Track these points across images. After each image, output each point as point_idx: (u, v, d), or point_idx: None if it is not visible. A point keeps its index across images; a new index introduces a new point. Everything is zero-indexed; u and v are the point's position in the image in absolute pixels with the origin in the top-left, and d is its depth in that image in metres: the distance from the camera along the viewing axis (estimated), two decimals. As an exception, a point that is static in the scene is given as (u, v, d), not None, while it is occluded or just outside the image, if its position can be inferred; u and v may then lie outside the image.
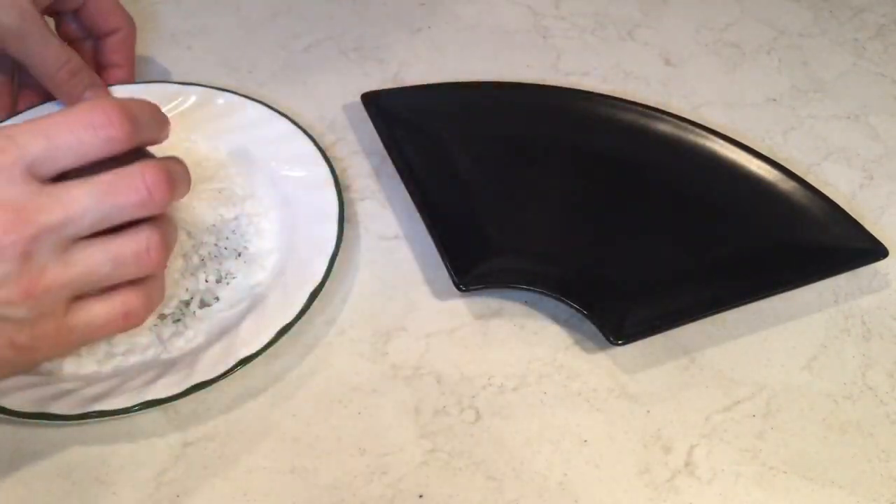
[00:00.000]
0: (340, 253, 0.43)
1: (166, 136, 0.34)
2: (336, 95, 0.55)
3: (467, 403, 0.40)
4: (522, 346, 0.42)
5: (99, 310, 0.32)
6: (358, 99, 0.52)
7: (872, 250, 0.45)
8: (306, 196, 0.46)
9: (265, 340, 0.39)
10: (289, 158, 0.48)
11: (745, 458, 0.38)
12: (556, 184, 0.50)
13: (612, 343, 0.40)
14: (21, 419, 0.36)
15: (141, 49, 0.58)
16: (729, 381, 0.41)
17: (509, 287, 0.43)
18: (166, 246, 0.32)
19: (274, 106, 0.50)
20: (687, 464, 0.38)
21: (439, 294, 0.44)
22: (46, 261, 0.29)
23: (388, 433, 0.38)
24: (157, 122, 0.33)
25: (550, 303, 0.44)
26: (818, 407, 0.41)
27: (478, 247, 0.45)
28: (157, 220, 0.32)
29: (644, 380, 0.41)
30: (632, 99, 0.54)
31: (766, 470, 0.38)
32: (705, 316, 0.43)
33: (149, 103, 0.33)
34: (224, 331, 0.40)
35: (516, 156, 0.51)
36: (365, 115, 0.51)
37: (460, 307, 0.44)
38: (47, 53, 0.43)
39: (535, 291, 0.43)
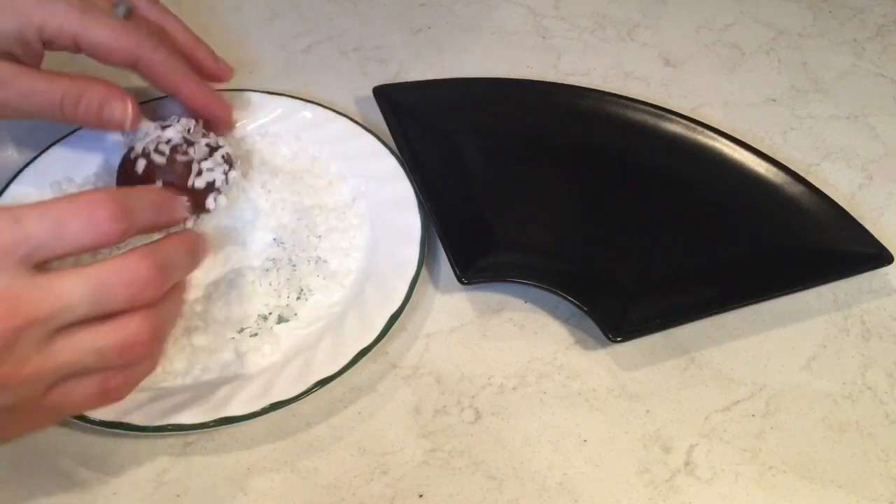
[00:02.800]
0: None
1: (175, 220, 0.34)
2: (336, 95, 0.55)
3: (467, 403, 0.40)
4: (522, 345, 0.42)
5: (78, 390, 0.31)
6: (358, 98, 0.52)
7: (877, 255, 0.45)
8: (388, 214, 0.45)
9: (343, 363, 0.38)
10: (373, 175, 0.47)
11: (744, 458, 0.38)
12: (560, 180, 0.50)
13: (610, 340, 0.40)
14: (98, 427, 0.35)
15: (141, 49, 0.58)
16: (728, 380, 0.42)
17: (510, 281, 0.43)
18: (156, 338, 0.31)
19: (358, 120, 0.50)
20: (686, 463, 0.38)
21: (439, 294, 0.44)
22: (29, 351, 0.28)
23: (388, 433, 0.38)
24: (156, 207, 0.32)
25: (551, 302, 0.44)
26: (818, 407, 0.41)
27: (481, 241, 0.45)
28: (151, 309, 0.31)
29: (644, 379, 0.41)
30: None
31: (766, 470, 0.38)
32: (705, 316, 0.43)
33: (152, 190, 0.33)
34: (301, 349, 0.40)
35: (522, 152, 0.51)
36: (365, 114, 0.51)
37: (460, 307, 0.44)
38: (37, 99, 0.40)
39: (535, 286, 0.43)
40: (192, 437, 0.37)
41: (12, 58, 0.40)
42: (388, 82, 0.53)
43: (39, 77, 0.40)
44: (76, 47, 0.41)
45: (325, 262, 0.43)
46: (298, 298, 0.42)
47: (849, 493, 0.38)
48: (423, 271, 0.43)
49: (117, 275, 0.29)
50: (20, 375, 0.28)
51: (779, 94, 0.59)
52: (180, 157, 0.40)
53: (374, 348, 0.39)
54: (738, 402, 0.41)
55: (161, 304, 0.31)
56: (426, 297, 0.44)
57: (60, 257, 0.29)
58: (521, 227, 0.47)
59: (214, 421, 0.36)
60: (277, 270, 0.42)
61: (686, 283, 0.45)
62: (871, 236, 0.46)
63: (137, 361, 0.32)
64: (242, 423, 0.36)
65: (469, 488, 0.37)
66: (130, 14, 0.44)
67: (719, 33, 0.64)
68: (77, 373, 0.30)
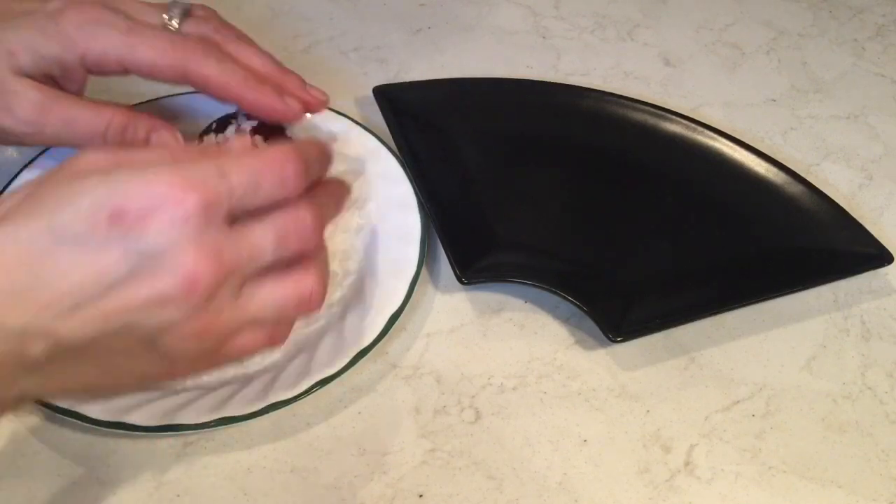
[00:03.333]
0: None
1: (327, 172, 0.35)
2: (336, 95, 0.54)
3: (467, 403, 0.40)
4: (522, 345, 0.42)
5: (251, 337, 0.31)
6: (358, 98, 0.52)
7: (877, 255, 0.45)
8: (388, 214, 0.45)
9: (343, 363, 0.38)
10: (373, 175, 0.47)
11: (744, 458, 0.38)
12: (560, 180, 0.50)
13: (610, 340, 0.40)
14: (98, 427, 0.35)
15: (141, 49, 0.58)
16: (728, 380, 0.42)
17: (510, 281, 0.43)
18: (324, 289, 0.32)
19: (358, 120, 0.50)
20: (686, 463, 0.38)
21: (439, 294, 0.44)
22: (224, 303, 0.29)
23: (388, 433, 0.38)
24: (321, 162, 0.33)
25: (551, 302, 0.44)
26: (818, 407, 0.41)
27: (481, 241, 0.45)
28: (317, 261, 0.32)
29: (644, 379, 0.41)
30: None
31: (766, 469, 0.38)
32: (705, 316, 0.43)
33: (317, 144, 0.33)
34: (301, 349, 0.40)
35: (522, 152, 0.51)
36: (365, 114, 0.51)
37: (460, 307, 0.44)
38: (80, 127, 0.39)
39: (535, 286, 0.43)
40: (192, 437, 0.37)
41: (53, 82, 0.39)
42: (388, 82, 0.53)
43: (83, 105, 0.39)
44: (124, 70, 0.39)
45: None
46: None
47: (849, 493, 0.38)
48: (423, 271, 0.43)
49: (292, 223, 0.30)
50: (215, 326, 0.29)
51: (779, 94, 0.59)
52: None
53: (374, 348, 0.39)
54: (738, 402, 0.41)
55: (321, 254, 0.33)
56: (426, 297, 0.44)
57: (250, 210, 0.29)
58: (521, 226, 0.47)
59: (214, 421, 0.36)
60: None
61: (686, 283, 0.45)
62: (871, 236, 0.46)
63: (308, 314, 0.33)
64: (242, 423, 0.36)
65: (469, 488, 0.37)
66: (188, 15, 0.41)
67: (719, 33, 0.64)
68: (258, 322, 0.31)
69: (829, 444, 0.39)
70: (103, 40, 0.37)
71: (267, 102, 0.40)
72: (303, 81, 0.44)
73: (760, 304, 0.44)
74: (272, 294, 0.30)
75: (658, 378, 0.41)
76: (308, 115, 0.43)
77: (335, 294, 0.42)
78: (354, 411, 0.39)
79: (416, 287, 0.42)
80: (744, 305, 0.44)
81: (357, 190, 0.47)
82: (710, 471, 0.38)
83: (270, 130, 0.43)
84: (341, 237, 0.44)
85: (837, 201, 0.48)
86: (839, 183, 0.52)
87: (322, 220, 0.31)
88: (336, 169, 0.47)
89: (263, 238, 0.29)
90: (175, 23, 0.41)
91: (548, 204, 0.48)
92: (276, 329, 0.32)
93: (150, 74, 0.39)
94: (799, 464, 0.38)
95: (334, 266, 0.43)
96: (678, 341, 0.43)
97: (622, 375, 0.41)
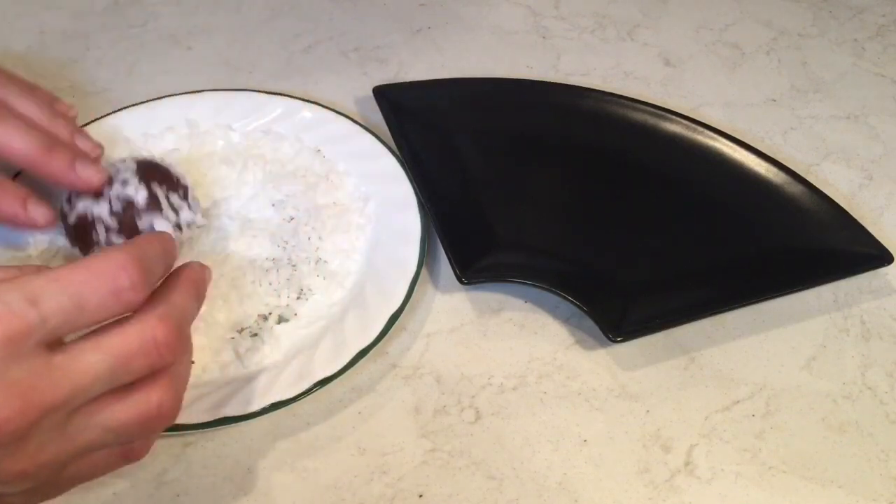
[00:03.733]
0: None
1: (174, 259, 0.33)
2: (336, 96, 0.55)
3: (467, 403, 0.40)
4: (522, 345, 0.42)
5: (99, 460, 0.29)
6: (358, 98, 0.52)
7: (878, 255, 0.45)
8: (388, 214, 0.45)
9: (343, 363, 0.38)
10: (373, 175, 0.47)
11: (744, 458, 0.38)
12: (560, 180, 0.50)
13: (610, 340, 0.40)
14: None
15: (141, 49, 0.58)
16: (728, 380, 0.42)
17: (510, 281, 0.43)
18: (178, 401, 0.30)
19: (358, 120, 0.50)
20: (686, 463, 0.38)
21: (439, 294, 0.44)
22: (47, 439, 0.26)
23: (388, 433, 0.38)
24: (164, 262, 0.31)
25: (551, 302, 0.44)
26: (817, 407, 0.41)
27: (481, 241, 0.45)
28: (170, 374, 0.29)
29: (644, 379, 0.41)
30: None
31: (766, 470, 0.38)
32: (705, 316, 0.43)
33: (158, 238, 0.31)
34: (301, 349, 0.40)
35: (522, 152, 0.51)
36: (365, 114, 0.51)
37: (460, 307, 0.44)
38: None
39: (536, 286, 0.43)
40: (192, 437, 0.37)
41: None
42: (388, 82, 0.53)
43: (9, 122, 0.38)
44: None
45: (325, 262, 0.43)
46: (298, 298, 0.42)
47: (849, 493, 0.38)
48: (423, 271, 0.43)
49: (136, 344, 0.27)
50: (38, 463, 0.26)
51: (779, 94, 0.59)
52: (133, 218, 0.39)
53: (374, 348, 0.39)
54: (738, 402, 0.41)
55: (178, 362, 0.30)
56: (426, 297, 0.44)
57: (79, 330, 0.27)
58: (521, 226, 0.47)
59: (215, 421, 0.36)
60: (277, 270, 0.42)
61: (686, 283, 0.45)
62: (871, 236, 0.46)
63: (161, 429, 0.30)
64: (242, 423, 0.36)
65: (469, 488, 0.37)
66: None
67: (719, 33, 0.64)
68: (97, 449, 0.29)
69: (829, 444, 0.39)
70: None
71: (58, 174, 0.38)
72: (73, 128, 0.41)
73: (760, 304, 0.44)
74: (110, 419, 0.28)
75: (658, 378, 0.41)
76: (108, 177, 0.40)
77: (336, 294, 0.42)
78: (354, 411, 0.39)
79: (416, 287, 0.42)
80: (744, 305, 0.44)
81: (356, 190, 0.47)
82: (710, 471, 0.38)
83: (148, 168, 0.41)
84: (341, 237, 0.44)
85: (837, 201, 0.48)
86: (839, 183, 0.52)
87: (176, 331, 0.29)
88: (336, 169, 0.48)
89: (96, 365, 0.26)
90: None
91: (548, 204, 0.48)
92: (130, 447, 0.30)
93: None
94: (799, 464, 0.38)
95: (334, 266, 0.43)
96: (678, 341, 0.43)
97: (622, 375, 0.41)
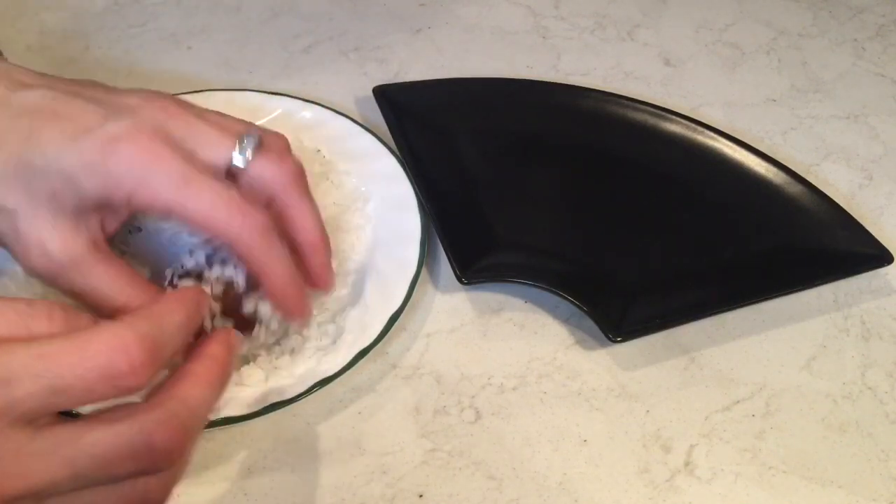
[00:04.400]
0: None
1: (198, 330, 0.30)
2: (336, 96, 0.55)
3: (467, 403, 0.40)
4: (522, 345, 0.42)
5: None
6: (358, 98, 0.52)
7: (878, 256, 0.45)
8: (388, 214, 0.45)
9: (343, 363, 0.38)
10: (373, 174, 0.47)
11: (744, 458, 0.38)
12: (561, 180, 0.50)
13: (610, 340, 0.40)
14: None
15: (141, 49, 0.58)
16: (728, 380, 0.42)
17: (511, 281, 0.43)
18: (169, 493, 0.27)
19: (356, 119, 0.50)
20: (686, 463, 0.38)
21: (439, 294, 0.44)
22: None
23: (388, 433, 0.38)
24: (185, 332, 0.28)
25: (551, 302, 0.44)
26: (817, 407, 0.41)
27: (481, 241, 0.45)
28: (166, 472, 0.27)
29: (644, 379, 0.41)
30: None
31: (766, 470, 0.38)
32: (705, 316, 0.43)
33: (188, 301, 0.28)
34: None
35: (522, 152, 0.51)
36: (365, 114, 0.51)
37: (460, 307, 0.44)
38: (90, 297, 0.33)
39: (536, 286, 0.43)
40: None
41: (97, 218, 0.33)
42: (388, 82, 0.53)
43: (117, 278, 0.33)
44: (168, 217, 0.34)
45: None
46: None
47: (849, 493, 0.38)
48: (423, 271, 0.43)
49: (126, 447, 0.25)
50: None
51: (779, 94, 0.59)
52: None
53: (374, 348, 0.39)
54: (738, 402, 0.41)
55: (179, 463, 0.27)
56: (426, 297, 0.44)
57: (65, 410, 0.25)
58: (522, 226, 0.47)
59: (215, 421, 0.36)
60: None
61: (686, 283, 0.45)
62: (872, 237, 0.46)
63: None
64: (242, 423, 0.36)
65: (469, 488, 0.37)
66: (259, 147, 0.35)
67: (719, 33, 0.64)
68: None
69: (829, 444, 0.39)
70: (154, 191, 0.32)
71: (292, 305, 0.35)
72: (330, 253, 0.38)
73: (760, 304, 0.44)
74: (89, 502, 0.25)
75: (658, 378, 0.41)
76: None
77: (338, 293, 0.42)
78: (354, 411, 0.39)
79: (416, 287, 0.42)
80: (744, 305, 0.44)
81: (356, 190, 0.47)
82: (710, 471, 0.38)
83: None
84: (341, 237, 0.44)
85: (837, 201, 0.48)
86: (839, 183, 0.52)
87: (180, 436, 0.26)
88: (337, 169, 0.48)
89: (74, 462, 0.24)
90: (244, 158, 0.34)
91: (548, 204, 0.48)
92: None
93: (196, 229, 0.34)
94: (799, 464, 0.38)
95: (334, 266, 0.43)
96: (678, 341, 0.43)
97: (622, 375, 0.41)
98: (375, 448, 0.38)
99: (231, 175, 0.34)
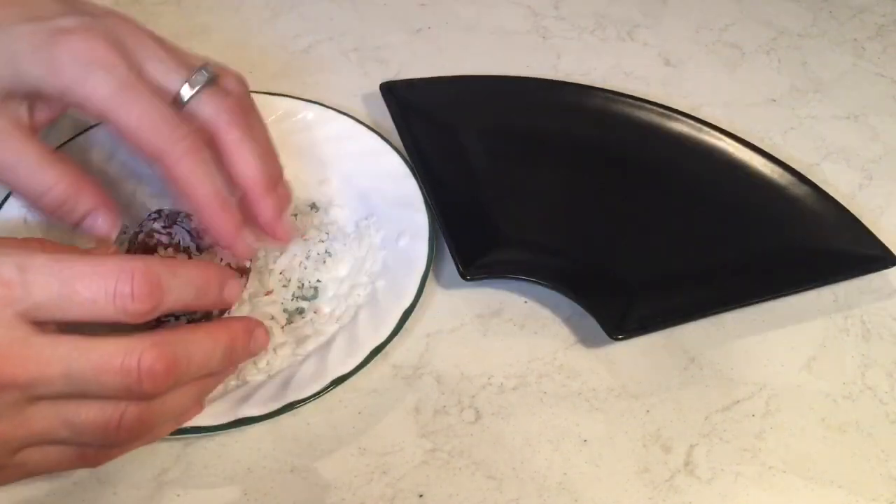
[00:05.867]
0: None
1: (220, 306, 0.30)
2: (336, 96, 0.55)
3: (467, 403, 0.40)
4: (522, 345, 0.42)
5: (51, 454, 0.28)
6: (358, 98, 0.52)
7: (881, 258, 0.45)
8: (395, 212, 0.45)
9: (358, 360, 0.38)
10: (378, 173, 0.47)
11: (744, 458, 0.38)
12: (565, 179, 0.50)
13: (612, 338, 0.40)
14: None
15: (141, 49, 0.58)
16: (729, 380, 0.42)
17: (512, 277, 0.43)
18: (144, 428, 0.28)
19: (359, 118, 0.50)
20: (686, 463, 0.38)
21: (440, 294, 0.44)
22: (2, 413, 0.25)
23: (388, 433, 0.38)
24: (195, 289, 0.29)
25: (551, 301, 0.44)
26: (818, 407, 0.41)
27: (484, 238, 0.45)
28: (146, 402, 0.28)
29: (644, 379, 0.41)
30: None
31: (766, 469, 0.38)
32: (706, 316, 0.43)
33: (205, 271, 0.29)
34: (316, 348, 0.40)
35: (526, 150, 0.51)
36: (365, 114, 0.51)
37: (461, 306, 0.44)
38: (17, 177, 0.33)
39: (537, 283, 0.43)
40: (192, 436, 0.37)
41: (27, 100, 0.34)
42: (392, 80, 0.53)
43: (32, 154, 0.33)
44: (100, 120, 0.35)
45: (336, 261, 0.44)
46: (307, 298, 0.42)
47: (849, 493, 0.38)
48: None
49: (117, 360, 0.26)
50: None
51: (779, 94, 0.59)
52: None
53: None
54: (738, 402, 0.41)
55: (164, 398, 0.28)
56: (426, 297, 0.44)
57: (69, 322, 0.26)
58: (525, 224, 0.47)
59: (229, 422, 0.36)
60: (294, 279, 0.43)
61: (687, 282, 0.45)
62: (874, 238, 0.46)
63: (118, 444, 0.29)
64: (266, 420, 0.36)
65: (469, 488, 0.37)
66: (212, 83, 0.35)
67: (719, 33, 0.64)
68: (50, 442, 0.27)
69: (829, 444, 0.39)
70: (91, 87, 0.32)
71: (219, 227, 0.34)
72: (285, 207, 0.38)
73: (761, 304, 0.44)
74: (71, 413, 0.27)
75: (658, 378, 0.41)
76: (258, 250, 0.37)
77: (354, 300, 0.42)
78: (354, 411, 0.39)
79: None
80: (744, 305, 0.44)
81: (362, 189, 0.47)
82: (710, 471, 0.38)
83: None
84: (351, 237, 0.45)
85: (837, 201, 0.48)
86: (839, 183, 0.52)
87: (169, 364, 0.27)
88: (338, 169, 0.48)
89: (69, 363, 0.25)
90: (190, 92, 0.35)
91: (551, 202, 0.48)
92: (88, 450, 0.28)
93: (124, 140, 0.34)
94: (799, 464, 0.38)
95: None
96: (678, 341, 0.43)
97: (622, 375, 0.41)
98: (375, 448, 0.38)
99: (177, 105, 0.34)
